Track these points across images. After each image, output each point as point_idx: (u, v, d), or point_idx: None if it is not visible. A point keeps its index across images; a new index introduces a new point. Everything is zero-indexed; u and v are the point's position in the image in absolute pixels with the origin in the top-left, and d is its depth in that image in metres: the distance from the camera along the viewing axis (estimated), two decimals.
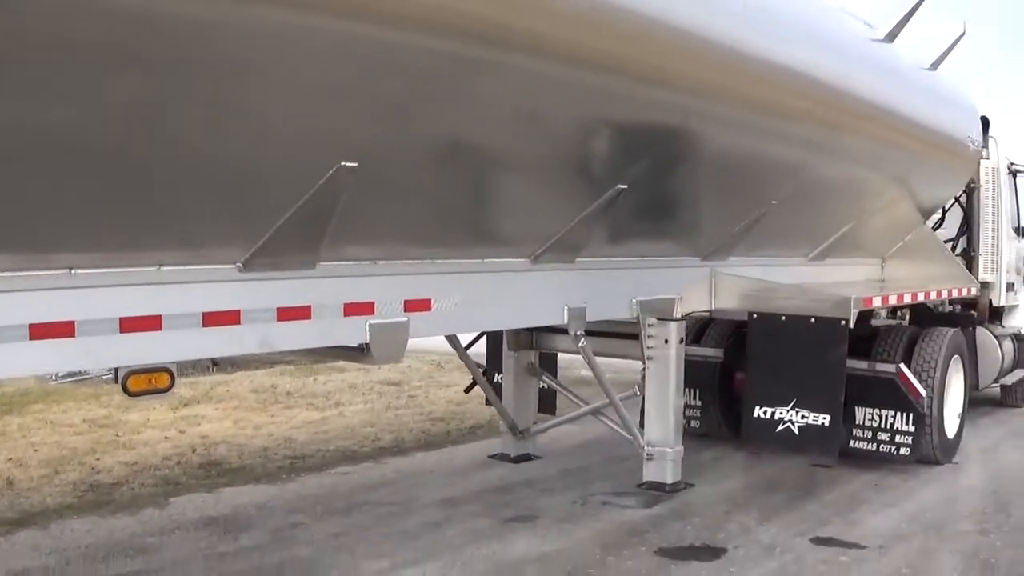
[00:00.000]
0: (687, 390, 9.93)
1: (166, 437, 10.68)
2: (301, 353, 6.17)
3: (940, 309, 12.45)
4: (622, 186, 6.84)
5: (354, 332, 5.68)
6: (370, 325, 5.73)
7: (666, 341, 8.35)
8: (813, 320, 8.43)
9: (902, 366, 9.47)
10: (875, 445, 9.37)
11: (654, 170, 7.11)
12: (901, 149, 9.99)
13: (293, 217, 4.89)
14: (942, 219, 13.49)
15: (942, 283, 11.54)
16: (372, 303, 5.76)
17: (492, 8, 4.93)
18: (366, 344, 5.74)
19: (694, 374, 9.85)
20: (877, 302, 9.29)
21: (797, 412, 8.44)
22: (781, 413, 8.51)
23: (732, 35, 6.88)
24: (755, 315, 8.73)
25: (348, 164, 4.83)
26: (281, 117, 4.48)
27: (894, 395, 9.36)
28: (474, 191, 6.20)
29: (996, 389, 13.82)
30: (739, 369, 9.64)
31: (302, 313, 5.37)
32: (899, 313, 12.03)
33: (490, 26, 4.96)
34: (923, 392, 9.42)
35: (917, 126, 10.10)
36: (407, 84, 4.82)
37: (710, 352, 10.44)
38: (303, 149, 4.72)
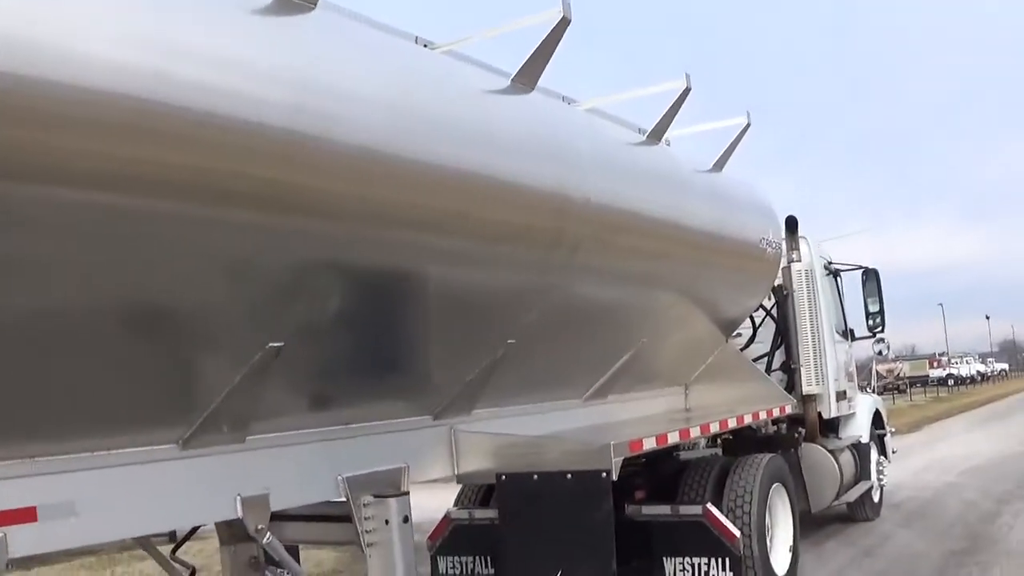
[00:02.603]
0: (479, 557, 9.07)
1: None
2: None
3: (764, 431, 11.25)
4: (275, 344, 5.39)
5: None
6: None
7: (387, 522, 6.72)
8: (569, 476, 7.04)
9: (709, 506, 8.37)
10: None
11: (317, 319, 5.73)
12: (678, 261, 8.77)
13: None
14: (754, 334, 12.34)
15: (754, 405, 10.36)
16: None
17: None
18: None
19: (483, 539, 8.89)
20: (650, 444, 7.79)
21: None
22: None
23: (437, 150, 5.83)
24: (503, 476, 7.27)
25: None
26: None
27: (705, 539, 8.26)
28: (80, 362, 4.70)
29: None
30: None
31: None
32: (719, 441, 10.85)
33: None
34: (736, 532, 8.26)
35: (696, 233, 8.88)
36: None
37: (494, 513, 9.03)
38: None
